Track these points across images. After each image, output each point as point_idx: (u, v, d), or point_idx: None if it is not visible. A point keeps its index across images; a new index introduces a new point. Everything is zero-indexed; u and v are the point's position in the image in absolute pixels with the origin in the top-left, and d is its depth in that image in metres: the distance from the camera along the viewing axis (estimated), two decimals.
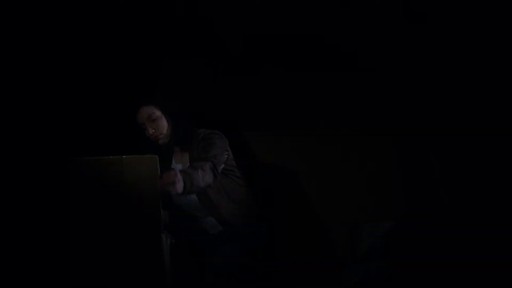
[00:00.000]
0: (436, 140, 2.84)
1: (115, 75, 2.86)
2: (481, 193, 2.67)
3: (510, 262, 2.39)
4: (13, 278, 1.91)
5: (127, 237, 1.86)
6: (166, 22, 2.76)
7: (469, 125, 2.77)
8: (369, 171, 2.87)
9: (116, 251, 1.86)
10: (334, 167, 2.88)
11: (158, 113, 2.35)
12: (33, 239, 1.89)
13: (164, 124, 2.35)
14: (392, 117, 2.89)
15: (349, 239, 2.76)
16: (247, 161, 2.65)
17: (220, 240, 2.35)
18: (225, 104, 2.90)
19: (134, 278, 1.85)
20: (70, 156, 1.96)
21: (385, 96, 2.90)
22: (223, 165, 2.30)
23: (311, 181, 2.91)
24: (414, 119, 2.87)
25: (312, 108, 2.94)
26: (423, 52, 2.81)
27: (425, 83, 2.86)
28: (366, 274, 2.59)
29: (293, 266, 2.74)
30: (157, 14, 2.72)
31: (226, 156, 2.34)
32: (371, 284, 2.55)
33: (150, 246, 1.87)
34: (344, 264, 2.68)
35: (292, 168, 2.93)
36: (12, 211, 1.92)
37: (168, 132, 2.35)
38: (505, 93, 2.73)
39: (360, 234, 2.72)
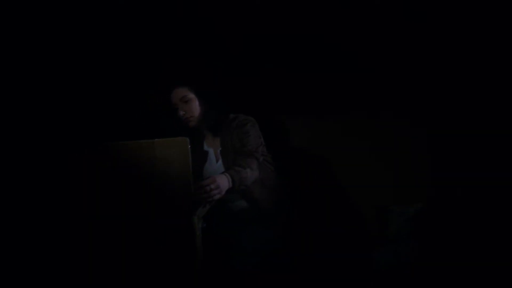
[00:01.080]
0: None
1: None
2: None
3: None
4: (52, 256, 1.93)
5: (159, 219, 1.87)
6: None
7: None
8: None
9: (149, 234, 1.87)
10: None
11: (191, 95, 2.37)
12: (66, 220, 1.90)
13: (196, 107, 2.36)
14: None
15: (378, 222, 2.74)
16: (276, 145, 2.64)
17: (250, 224, 2.32)
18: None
19: (167, 260, 1.86)
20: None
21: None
22: (262, 157, 2.34)
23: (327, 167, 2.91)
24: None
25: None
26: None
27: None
28: (395, 256, 2.57)
29: (322, 251, 2.71)
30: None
31: (261, 144, 2.36)
32: (400, 266, 2.53)
33: (183, 228, 1.87)
34: (374, 247, 2.66)
35: (317, 153, 2.93)
36: (46, 194, 1.93)
37: (200, 115, 2.36)
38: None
39: (389, 216, 2.71)
